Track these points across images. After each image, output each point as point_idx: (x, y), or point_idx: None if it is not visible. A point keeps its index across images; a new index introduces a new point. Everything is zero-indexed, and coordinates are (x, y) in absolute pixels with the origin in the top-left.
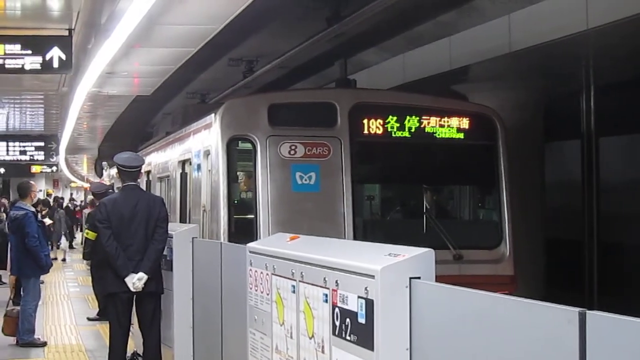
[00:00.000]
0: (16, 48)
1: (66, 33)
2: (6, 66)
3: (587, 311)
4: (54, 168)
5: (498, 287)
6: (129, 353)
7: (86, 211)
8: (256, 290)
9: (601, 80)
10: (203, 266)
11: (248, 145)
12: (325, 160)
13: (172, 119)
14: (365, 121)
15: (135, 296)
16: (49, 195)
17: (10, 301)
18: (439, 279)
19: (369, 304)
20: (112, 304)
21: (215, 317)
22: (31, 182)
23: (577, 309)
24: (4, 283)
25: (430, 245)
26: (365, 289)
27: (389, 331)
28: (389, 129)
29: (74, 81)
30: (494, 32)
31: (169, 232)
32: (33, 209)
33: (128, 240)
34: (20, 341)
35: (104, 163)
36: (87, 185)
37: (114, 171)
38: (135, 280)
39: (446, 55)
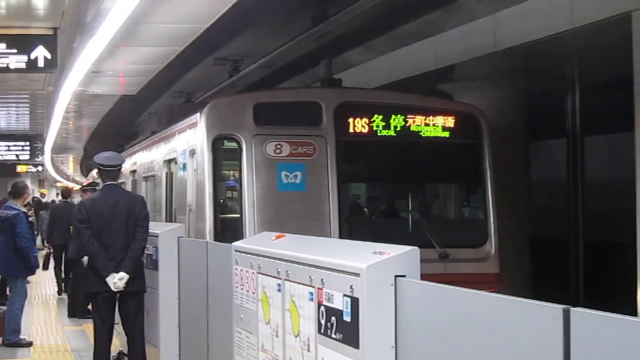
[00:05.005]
0: (1, 47)
1: (51, 32)
2: None
3: (572, 308)
4: (40, 168)
5: (484, 285)
6: (114, 352)
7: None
8: (242, 289)
9: (586, 79)
10: (189, 265)
11: (233, 145)
12: (311, 160)
13: (158, 119)
14: (350, 120)
15: (118, 295)
16: (42, 195)
17: None
18: (425, 277)
19: (354, 302)
20: (94, 303)
21: (201, 316)
22: (26, 183)
23: (561, 306)
24: None
25: (416, 243)
26: (351, 287)
27: (374, 329)
28: (375, 128)
29: (59, 80)
30: (480, 31)
31: (155, 231)
32: (24, 210)
33: (109, 239)
34: (6, 341)
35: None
36: (72, 185)
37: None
38: (116, 280)
39: (432, 54)
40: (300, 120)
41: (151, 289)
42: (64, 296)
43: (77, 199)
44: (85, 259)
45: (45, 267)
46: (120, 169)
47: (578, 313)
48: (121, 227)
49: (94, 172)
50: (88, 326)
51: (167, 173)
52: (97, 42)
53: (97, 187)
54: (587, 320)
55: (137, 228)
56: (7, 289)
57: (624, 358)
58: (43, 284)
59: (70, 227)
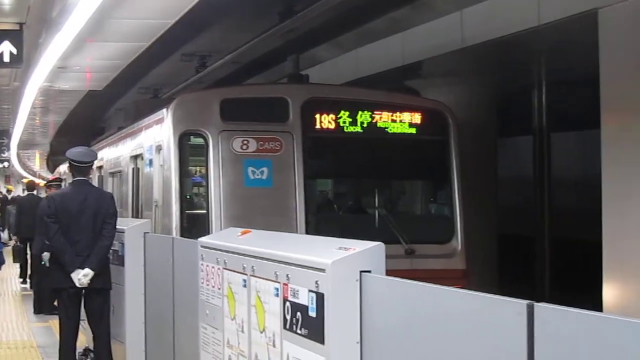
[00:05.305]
0: None
1: (17, 27)
2: None
3: (535, 303)
4: (6, 164)
5: (450, 282)
6: (80, 348)
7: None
8: (207, 285)
9: (553, 75)
10: (155, 261)
11: (200, 140)
12: (278, 155)
13: (125, 114)
14: (317, 116)
15: (84, 291)
16: (9, 191)
17: None
18: (392, 273)
19: (320, 298)
20: (60, 299)
21: (167, 312)
22: None
23: (525, 301)
24: None
25: (382, 239)
26: (316, 282)
27: (339, 325)
28: (341, 124)
29: (25, 76)
30: (447, 27)
31: (121, 227)
32: None
33: (76, 235)
34: None
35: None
36: (38, 180)
37: (63, 168)
38: (81, 276)
39: (399, 50)
40: (267, 116)
41: (117, 285)
42: (30, 292)
43: (42, 194)
44: (45, 255)
45: (19, 260)
46: (92, 165)
47: (542, 308)
48: (89, 223)
49: (61, 168)
50: (54, 322)
51: (133, 169)
52: (63, 38)
53: (61, 183)
54: (551, 315)
55: (105, 225)
56: None
57: (587, 353)
58: (9, 280)
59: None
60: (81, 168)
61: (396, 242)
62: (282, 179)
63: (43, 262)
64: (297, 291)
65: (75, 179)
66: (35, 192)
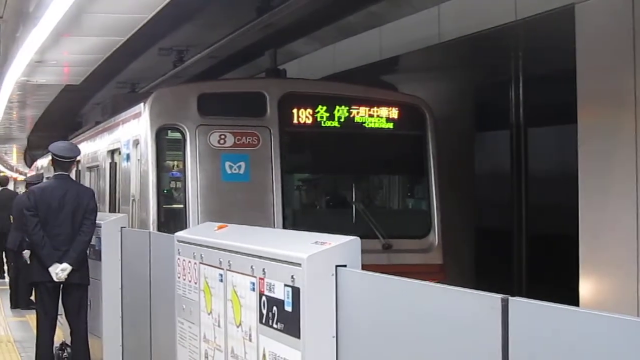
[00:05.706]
0: None
1: None
2: None
3: (510, 298)
4: None
5: (427, 276)
6: (57, 343)
7: None
8: (184, 280)
9: (530, 70)
10: (132, 256)
11: (177, 135)
12: (255, 150)
13: (102, 109)
14: (294, 111)
15: (61, 286)
16: None
17: None
18: (369, 268)
19: (296, 292)
20: (38, 293)
21: (144, 307)
22: None
23: (500, 296)
24: None
25: (359, 234)
26: (292, 277)
27: (315, 319)
28: (319, 119)
29: (2, 70)
30: (424, 22)
31: (98, 221)
32: None
33: (55, 229)
34: None
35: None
36: (16, 175)
37: (40, 162)
38: (59, 271)
39: (376, 45)
40: (245, 110)
41: (94, 279)
42: (6, 287)
43: (20, 189)
44: (26, 252)
45: None
46: (74, 160)
47: (516, 302)
48: (68, 217)
49: (38, 162)
50: (31, 317)
51: (110, 163)
52: (41, 32)
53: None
54: (525, 309)
55: (84, 221)
56: None
57: (562, 347)
58: None
59: (10, 215)
60: (63, 163)
61: (373, 237)
62: (260, 174)
63: (24, 260)
64: (273, 285)
65: (57, 173)
66: (8, 186)
